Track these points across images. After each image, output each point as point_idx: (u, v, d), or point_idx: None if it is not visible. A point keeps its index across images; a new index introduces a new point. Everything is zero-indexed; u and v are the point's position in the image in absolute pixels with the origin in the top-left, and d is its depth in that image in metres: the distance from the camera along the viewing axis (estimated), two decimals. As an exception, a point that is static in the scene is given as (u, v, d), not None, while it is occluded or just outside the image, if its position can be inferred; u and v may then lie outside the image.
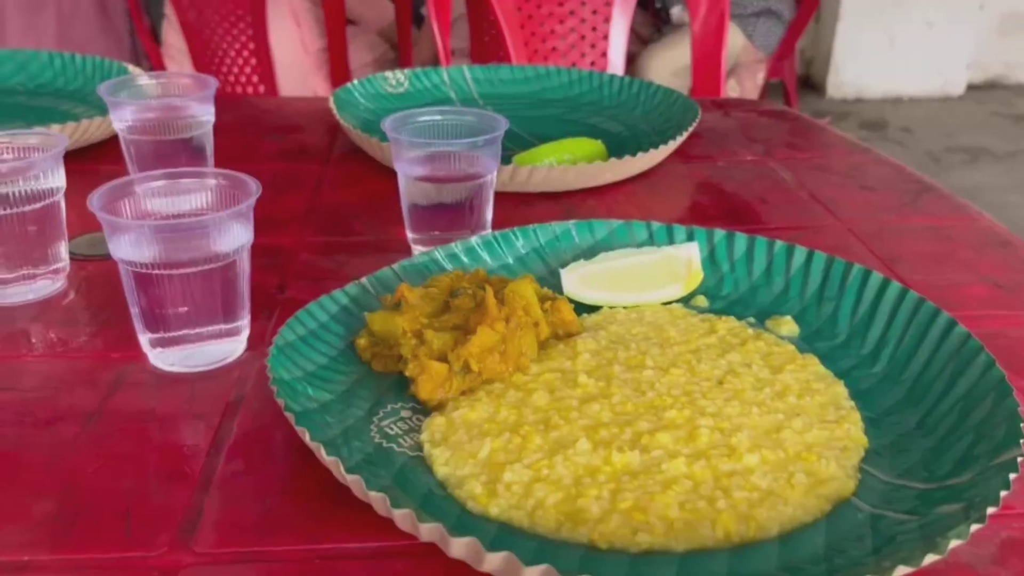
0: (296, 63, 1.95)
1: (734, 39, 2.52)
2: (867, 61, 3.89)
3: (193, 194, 0.56)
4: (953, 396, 0.47)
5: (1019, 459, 0.39)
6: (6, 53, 1.04)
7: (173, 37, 2.03)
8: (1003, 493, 0.37)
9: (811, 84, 4.03)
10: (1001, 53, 4.06)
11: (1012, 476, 0.38)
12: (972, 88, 4.03)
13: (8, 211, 0.58)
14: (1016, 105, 3.84)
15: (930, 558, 0.34)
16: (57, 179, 0.60)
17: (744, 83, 2.67)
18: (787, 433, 0.46)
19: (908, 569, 0.33)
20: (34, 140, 0.61)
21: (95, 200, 0.51)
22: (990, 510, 0.36)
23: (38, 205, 0.59)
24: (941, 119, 3.68)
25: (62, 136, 0.62)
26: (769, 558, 0.38)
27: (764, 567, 0.38)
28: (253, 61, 1.90)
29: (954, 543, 0.34)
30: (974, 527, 0.35)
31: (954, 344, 0.50)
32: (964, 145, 3.38)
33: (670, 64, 2.54)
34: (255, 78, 1.92)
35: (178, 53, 2.02)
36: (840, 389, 0.50)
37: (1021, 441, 0.40)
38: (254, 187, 0.53)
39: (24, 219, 0.59)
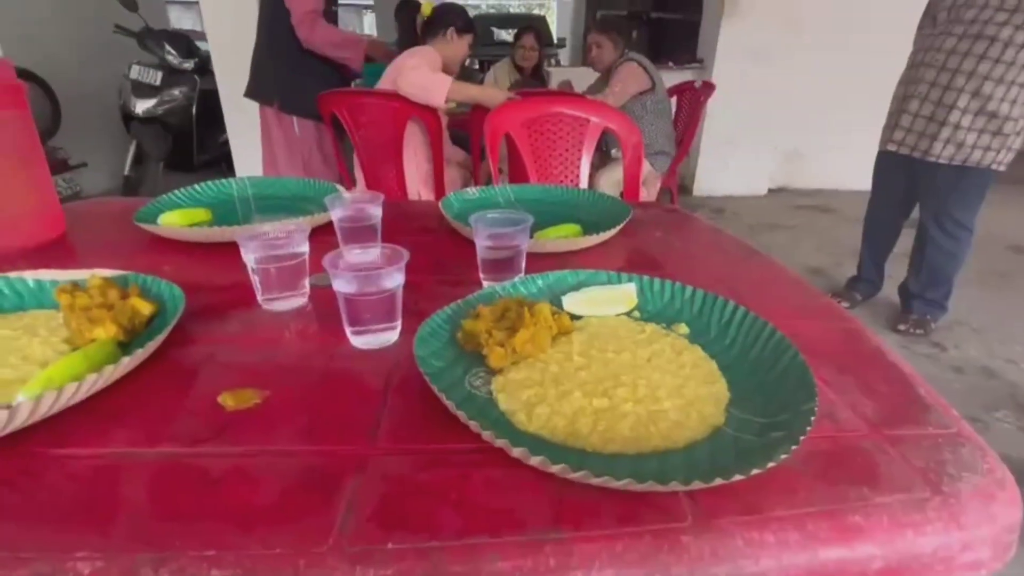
0: (412, 179, 1.95)
1: (644, 166, 2.49)
2: (713, 176, 3.86)
3: (373, 256, 0.56)
4: (776, 371, 0.46)
5: (815, 407, 0.38)
6: (277, 179, 1.04)
7: (358, 163, 2.06)
8: (808, 428, 0.36)
9: (685, 189, 3.98)
10: (786, 171, 4.01)
11: (812, 418, 0.37)
12: (770, 191, 3.96)
13: (282, 264, 0.59)
14: (796, 200, 3.77)
15: (769, 464, 0.33)
16: (304, 246, 0.61)
17: (650, 191, 2.63)
18: (686, 389, 0.45)
19: (757, 470, 0.32)
20: (292, 226, 0.61)
21: (326, 260, 0.51)
22: (801, 437, 0.35)
23: (295, 261, 0.60)
24: (753, 207, 3.62)
25: (304, 225, 0.63)
26: (679, 459, 0.38)
27: (677, 464, 0.37)
28: (395, 184, 1.91)
29: (782, 456, 0.33)
30: (792, 447, 0.34)
31: (775, 342, 0.49)
32: (765, 222, 3.32)
33: (611, 180, 2.52)
34: (395, 187, 1.92)
35: (359, 171, 2.05)
36: (713, 365, 0.49)
37: (815, 398, 0.39)
38: (405, 253, 0.53)
39: (289, 267, 0.59)
